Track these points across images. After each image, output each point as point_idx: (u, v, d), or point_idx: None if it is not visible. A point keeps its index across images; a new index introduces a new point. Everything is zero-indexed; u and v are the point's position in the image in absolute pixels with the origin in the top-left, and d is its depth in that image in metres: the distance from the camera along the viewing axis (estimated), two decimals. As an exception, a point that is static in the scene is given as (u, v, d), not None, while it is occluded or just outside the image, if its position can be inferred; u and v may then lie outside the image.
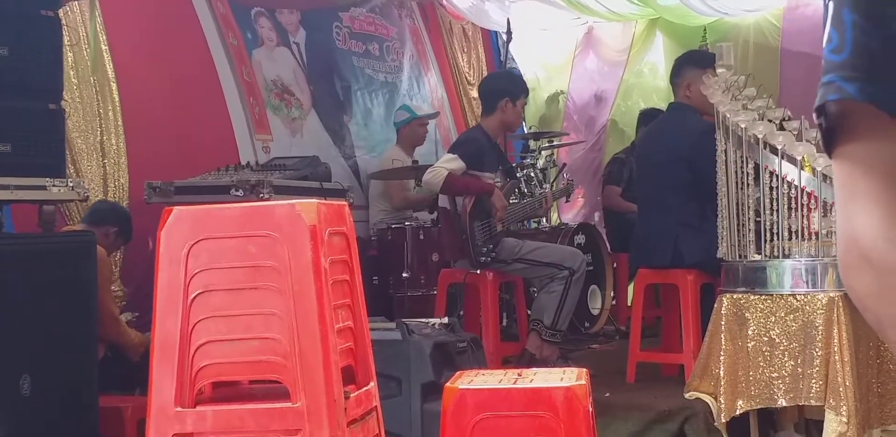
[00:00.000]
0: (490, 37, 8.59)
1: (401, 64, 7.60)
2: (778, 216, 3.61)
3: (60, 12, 3.94)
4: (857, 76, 0.90)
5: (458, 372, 2.97)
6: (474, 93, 8.22)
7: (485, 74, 8.21)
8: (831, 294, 3.51)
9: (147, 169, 5.20)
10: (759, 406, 3.62)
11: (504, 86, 5.36)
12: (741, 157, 3.74)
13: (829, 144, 0.93)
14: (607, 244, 6.43)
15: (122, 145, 5.37)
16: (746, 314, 3.64)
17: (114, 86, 5.38)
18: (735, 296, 3.69)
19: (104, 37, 5.34)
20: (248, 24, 6.35)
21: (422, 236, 5.81)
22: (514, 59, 7.50)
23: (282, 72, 6.48)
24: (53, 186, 3.72)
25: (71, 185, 3.79)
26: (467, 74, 8.26)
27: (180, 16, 5.93)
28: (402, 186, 6.39)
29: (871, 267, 0.89)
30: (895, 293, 0.88)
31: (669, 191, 4.77)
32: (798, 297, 3.57)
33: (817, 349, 3.44)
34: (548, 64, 8.76)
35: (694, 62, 4.79)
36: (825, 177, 3.51)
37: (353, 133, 6.86)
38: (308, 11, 6.81)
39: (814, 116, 0.93)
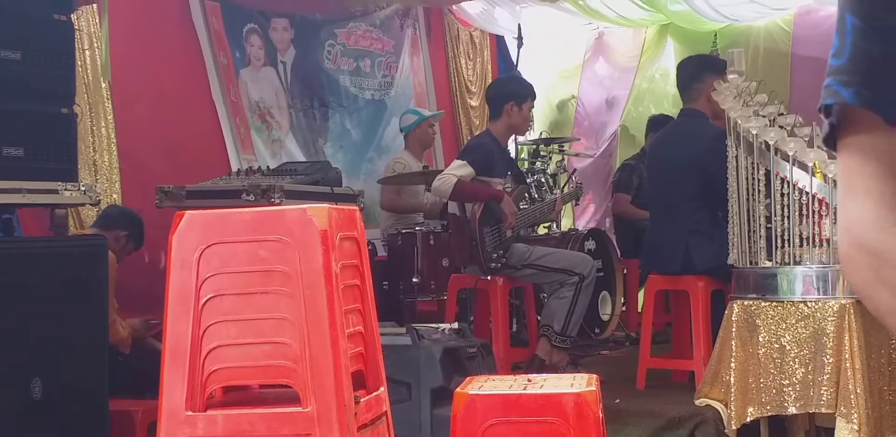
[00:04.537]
0: (497, 43, 8.59)
1: (392, 79, 7.58)
2: (789, 223, 3.60)
3: (73, 17, 3.96)
4: (853, 81, 0.92)
5: (468, 378, 2.97)
6: (473, 101, 8.22)
7: (490, 80, 8.21)
8: (842, 301, 3.50)
9: (140, 185, 5.24)
10: (769, 413, 3.61)
11: (509, 90, 5.35)
12: (752, 163, 3.73)
13: (833, 139, 0.96)
14: (617, 250, 6.42)
15: (114, 162, 5.41)
16: (757, 321, 3.63)
17: (108, 104, 5.42)
18: (746, 303, 3.68)
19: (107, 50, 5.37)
20: (239, 42, 6.37)
21: (432, 242, 5.81)
22: (518, 70, 7.48)
23: (265, 93, 6.50)
24: (66, 190, 3.73)
25: (83, 189, 3.80)
26: (469, 82, 8.26)
27: (180, 34, 5.98)
28: (395, 190, 6.38)
29: (865, 255, 0.91)
30: (889, 282, 0.89)
31: (681, 198, 4.76)
32: (809, 304, 3.56)
33: (828, 357, 3.43)
34: (558, 69, 8.76)
35: (713, 68, 4.76)
36: (836, 183, 3.50)
37: (327, 156, 6.84)
38: (303, 28, 6.81)
39: (821, 117, 0.96)
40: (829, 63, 0.95)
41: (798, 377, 3.51)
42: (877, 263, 0.90)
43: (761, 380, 3.57)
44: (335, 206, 2.48)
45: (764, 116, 3.74)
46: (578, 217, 8.14)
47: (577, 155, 7.96)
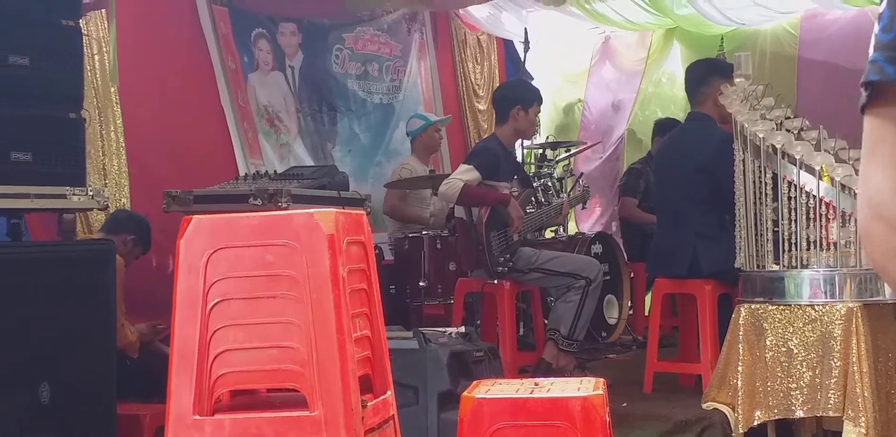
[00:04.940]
0: (504, 47, 8.59)
1: (400, 83, 7.58)
2: (796, 226, 3.60)
3: (81, 22, 3.97)
4: None
5: (475, 381, 2.97)
6: (481, 105, 8.23)
7: (497, 84, 8.21)
8: (850, 305, 3.49)
9: (147, 189, 5.24)
10: (776, 417, 3.60)
11: (516, 94, 5.35)
12: (759, 167, 3.73)
13: (865, 105, 0.94)
14: (624, 254, 6.42)
15: (123, 167, 5.42)
16: (764, 325, 3.63)
17: (117, 108, 5.43)
18: (753, 306, 3.68)
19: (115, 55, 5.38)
20: (247, 46, 6.37)
21: (439, 246, 5.81)
22: (529, 73, 7.48)
23: (273, 97, 6.49)
24: (74, 194, 3.74)
25: (91, 194, 3.80)
26: (476, 86, 8.26)
27: (188, 39, 5.98)
28: (399, 196, 6.38)
29: (885, 227, 0.89)
30: None
31: (689, 201, 4.75)
32: (816, 307, 3.55)
33: (835, 360, 3.43)
34: (565, 73, 8.76)
35: (720, 72, 4.76)
36: (843, 187, 3.50)
37: (335, 160, 6.83)
38: (311, 33, 6.82)
39: (861, 90, 0.93)
40: (877, 36, 0.92)
41: (805, 380, 3.51)
42: (894, 232, 0.89)
43: (769, 383, 3.57)
44: (342, 210, 2.49)
45: (771, 120, 3.74)
46: (585, 220, 8.14)
47: (586, 149, 7.91)
